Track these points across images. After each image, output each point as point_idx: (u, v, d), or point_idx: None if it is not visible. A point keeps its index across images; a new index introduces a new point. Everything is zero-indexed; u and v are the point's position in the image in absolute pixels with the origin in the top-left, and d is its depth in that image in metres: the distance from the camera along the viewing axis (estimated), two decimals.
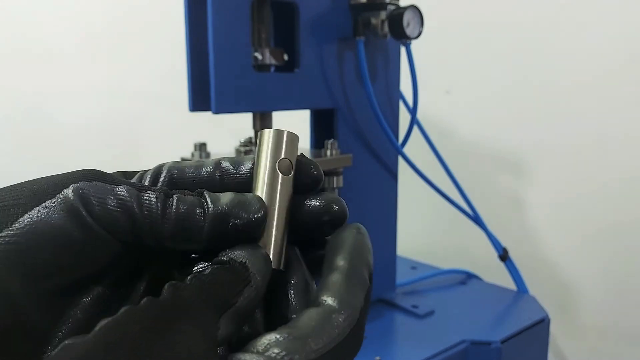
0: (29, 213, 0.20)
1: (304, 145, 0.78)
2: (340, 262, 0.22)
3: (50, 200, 0.21)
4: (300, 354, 0.18)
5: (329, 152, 0.69)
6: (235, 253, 0.21)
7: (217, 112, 0.60)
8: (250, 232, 0.22)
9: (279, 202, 0.23)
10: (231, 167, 0.25)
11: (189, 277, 0.20)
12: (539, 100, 1.00)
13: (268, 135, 0.24)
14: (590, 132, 0.95)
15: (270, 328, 0.20)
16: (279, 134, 0.24)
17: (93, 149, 1.02)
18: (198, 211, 0.22)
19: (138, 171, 0.25)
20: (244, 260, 0.21)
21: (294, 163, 0.24)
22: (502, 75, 1.04)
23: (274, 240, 0.23)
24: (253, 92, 0.63)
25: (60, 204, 0.21)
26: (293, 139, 0.24)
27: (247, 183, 0.24)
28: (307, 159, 0.25)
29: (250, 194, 0.23)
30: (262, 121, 0.68)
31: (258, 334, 0.19)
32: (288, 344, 0.18)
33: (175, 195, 0.22)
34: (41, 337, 0.20)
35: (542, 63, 0.99)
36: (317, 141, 0.77)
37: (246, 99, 0.63)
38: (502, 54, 1.04)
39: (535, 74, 1.00)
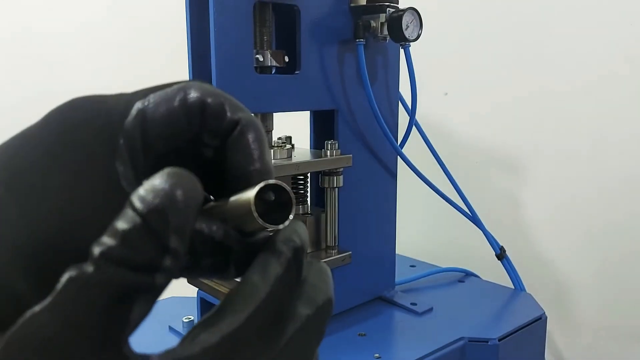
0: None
1: (304, 145, 0.79)
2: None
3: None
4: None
5: (329, 153, 0.70)
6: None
7: None
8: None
9: None
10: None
11: None
12: (536, 102, 1.01)
13: None
14: (586, 133, 0.96)
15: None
16: None
17: None
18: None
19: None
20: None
21: None
22: (500, 77, 1.05)
23: None
24: (254, 93, 0.64)
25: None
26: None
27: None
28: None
29: None
30: (262, 122, 0.69)
31: None
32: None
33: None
34: None
35: (539, 65, 1.00)
36: (318, 142, 0.78)
37: (247, 100, 0.63)
38: (499, 57, 1.05)
39: (532, 76, 1.01)
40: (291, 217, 0.21)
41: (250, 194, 0.20)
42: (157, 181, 0.17)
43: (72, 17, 1.00)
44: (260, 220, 0.20)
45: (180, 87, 0.22)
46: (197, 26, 0.64)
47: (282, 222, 0.20)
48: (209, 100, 0.22)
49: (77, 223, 0.20)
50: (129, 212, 0.17)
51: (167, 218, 0.17)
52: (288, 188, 0.21)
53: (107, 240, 0.16)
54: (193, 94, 0.22)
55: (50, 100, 0.22)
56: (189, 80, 0.23)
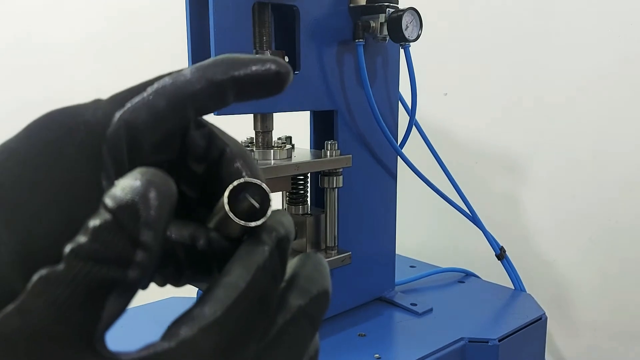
0: None
1: (304, 145, 0.79)
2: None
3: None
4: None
5: (329, 153, 0.70)
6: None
7: (218, 113, 0.61)
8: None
9: None
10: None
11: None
12: (536, 102, 1.01)
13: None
14: (586, 133, 0.96)
15: None
16: None
17: None
18: None
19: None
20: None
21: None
22: (499, 78, 1.05)
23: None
24: None
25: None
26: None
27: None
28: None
29: None
30: (262, 122, 0.69)
31: None
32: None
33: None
34: None
35: (538, 65, 1.00)
36: (317, 142, 0.78)
37: None
38: (499, 57, 1.05)
39: (533, 76, 1.01)
40: (269, 212, 0.20)
41: (225, 194, 0.20)
42: (128, 179, 0.18)
43: (71, 15, 1.00)
44: (236, 219, 0.19)
45: (156, 88, 0.21)
46: (197, 26, 0.64)
47: (261, 218, 0.20)
48: (190, 85, 0.22)
49: (64, 236, 0.20)
50: (100, 211, 0.17)
51: (138, 212, 0.17)
52: (263, 184, 0.20)
53: (78, 237, 0.17)
54: (170, 87, 0.21)
55: (49, 108, 0.22)
56: (159, 75, 0.22)
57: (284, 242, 0.20)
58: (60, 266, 0.16)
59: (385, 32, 0.71)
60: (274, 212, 0.21)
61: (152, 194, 0.17)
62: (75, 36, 1.00)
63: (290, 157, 0.70)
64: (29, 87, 0.97)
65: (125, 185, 0.17)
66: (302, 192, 0.76)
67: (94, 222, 0.17)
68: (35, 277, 0.16)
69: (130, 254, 0.17)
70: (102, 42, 1.03)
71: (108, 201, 0.17)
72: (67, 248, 0.17)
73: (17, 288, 0.18)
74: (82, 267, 0.16)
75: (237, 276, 0.19)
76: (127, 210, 0.17)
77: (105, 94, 0.23)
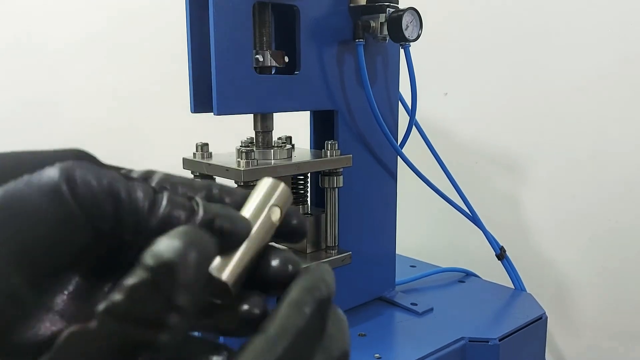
0: (3, 186, 0.19)
1: (304, 145, 0.79)
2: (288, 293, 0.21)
3: (29, 175, 0.19)
4: None
5: (329, 153, 0.70)
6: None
7: (218, 113, 0.61)
8: (230, 244, 0.21)
9: (255, 238, 0.22)
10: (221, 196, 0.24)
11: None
12: (536, 102, 1.01)
13: (267, 183, 0.24)
14: (586, 133, 0.96)
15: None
16: (276, 185, 0.24)
17: (95, 149, 1.02)
18: (186, 214, 0.21)
19: (122, 168, 0.24)
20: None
21: (283, 212, 0.24)
22: (499, 78, 1.05)
23: (236, 262, 0.21)
24: (254, 93, 0.64)
25: (41, 181, 0.19)
26: (288, 193, 0.24)
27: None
28: (297, 212, 0.25)
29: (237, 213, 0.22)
30: (262, 122, 0.69)
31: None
32: None
33: (165, 193, 0.21)
34: (6, 330, 0.18)
35: (539, 65, 1.00)
36: (318, 142, 0.78)
37: (247, 100, 0.63)
38: (499, 57, 1.05)
39: (533, 75, 1.01)
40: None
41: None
42: (169, 238, 0.17)
43: (72, 15, 1.00)
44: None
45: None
46: (197, 26, 0.64)
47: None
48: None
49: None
50: (138, 269, 0.17)
51: (176, 274, 0.17)
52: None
53: (113, 295, 0.16)
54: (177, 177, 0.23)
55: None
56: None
57: (325, 303, 0.20)
58: (93, 323, 0.16)
59: (386, 32, 0.71)
60: (317, 266, 0.21)
61: (193, 255, 0.17)
62: (75, 36, 1.00)
63: (291, 157, 0.70)
64: (29, 87, 0.97)
65: (166, 245, 0.17)
66: (302, 192, 0.76)
67: (130, 280, 0.16)
68: (66, 333, 0.16)
69: (164, 317, 0.16)
70: (102, 42, 1.03)
71: (148, 259, 0.17)
72: (102, 306, 0.16)
73: (17, 290, 0.18)
74: (116, 326, 0.16)
75: (274, 342, 0.18)
76: (165, 269, 0.17)
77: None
